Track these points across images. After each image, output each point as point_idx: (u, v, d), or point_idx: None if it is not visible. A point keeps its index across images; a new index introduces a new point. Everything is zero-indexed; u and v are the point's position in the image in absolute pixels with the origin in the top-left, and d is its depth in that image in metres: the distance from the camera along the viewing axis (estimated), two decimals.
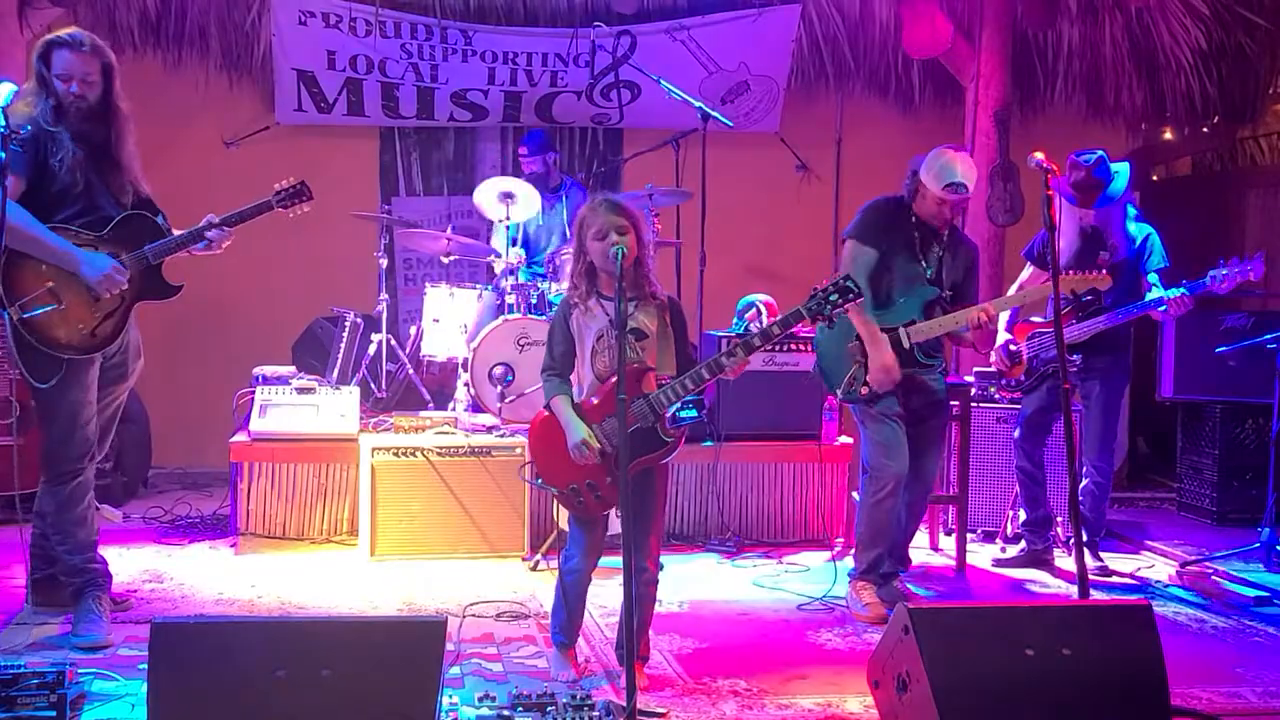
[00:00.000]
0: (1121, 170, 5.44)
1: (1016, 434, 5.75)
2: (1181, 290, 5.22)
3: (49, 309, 4.18)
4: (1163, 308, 5.26)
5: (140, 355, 4.65)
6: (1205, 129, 8.56)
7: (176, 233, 4.47)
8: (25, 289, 4.16)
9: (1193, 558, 5.86)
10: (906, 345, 4.83)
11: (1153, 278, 5.43)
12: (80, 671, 3.70)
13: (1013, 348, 5.61)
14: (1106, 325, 5.38)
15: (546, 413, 4.02)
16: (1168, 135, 8.75)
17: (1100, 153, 5.43)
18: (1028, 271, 5.73)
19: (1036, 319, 5.70)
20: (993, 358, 5.68)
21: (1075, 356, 5.43)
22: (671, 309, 4.00)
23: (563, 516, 5.35)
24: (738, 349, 3.80)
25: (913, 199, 4.87)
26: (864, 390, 4.80)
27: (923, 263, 4.87)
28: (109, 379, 4.52)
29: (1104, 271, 5.08)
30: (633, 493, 3.61)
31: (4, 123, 3.71)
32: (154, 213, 4.50)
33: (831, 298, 3.77)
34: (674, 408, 3.84)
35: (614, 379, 3.81)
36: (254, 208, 4.57)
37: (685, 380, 3.81)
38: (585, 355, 3.95)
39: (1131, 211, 5.58)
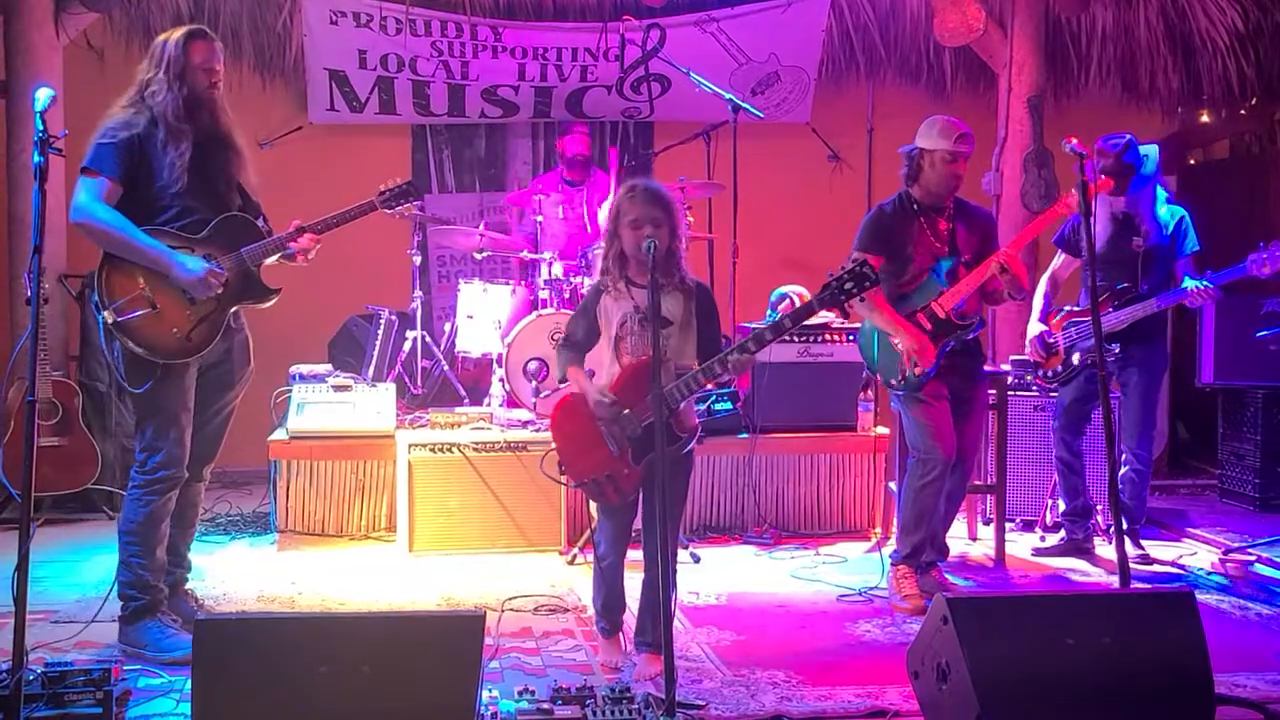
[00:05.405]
0: (1151, 153, 5.38)
1: (1055, 424, 5.71)
2: (1205, 282, 5.18)
3: (143, 313, 4.09)
4: (1190, 298, 5.23)
5: (249, 361, 4.51)
6: (1243, 111, 8.45)
7: (274, 235, 4.37)
8: (119, 292, 4.09)
9: (1235, 545, 5.80)
10: (942, 316, 4.80)
11: (1184, 266, 5.38)
12: (126, 668, 3.74)
13: (1049, 340, 5.55)
14: (1144, 313, 5.33)
15: (567, 396, 4.05)
16: (1204, 118, 8.64)
17: (1128, 136, 5.38)
18: (1060, 259, 5.68)
19: (1073, 308, 5.63)
20: (1028, 349, 5.64)
21: (1113, 345, 5.37)
22: (699, 295, 3.97)
23: (595, 507, 5.36)
24: (749, 344, 3.75)
25: (915, 179, 4.87)
26: (918, 370, 4.76)
27: (935, 240, 4.87)
28: (214, 386, 4.38)
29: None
30: (655, 483, 3.63)
31: (42, 128, 3.65)
32: (254, 214, 4.41)
33: (847, 285, 3.65)
34: (711, 400, 3.84)
35: (633, 367, 3.85)
36: (357, 209, 4.41)
37: (698, 375, 3.78)
38: (610, 339, 3.95)
39: (1162, 195, 5.49)
